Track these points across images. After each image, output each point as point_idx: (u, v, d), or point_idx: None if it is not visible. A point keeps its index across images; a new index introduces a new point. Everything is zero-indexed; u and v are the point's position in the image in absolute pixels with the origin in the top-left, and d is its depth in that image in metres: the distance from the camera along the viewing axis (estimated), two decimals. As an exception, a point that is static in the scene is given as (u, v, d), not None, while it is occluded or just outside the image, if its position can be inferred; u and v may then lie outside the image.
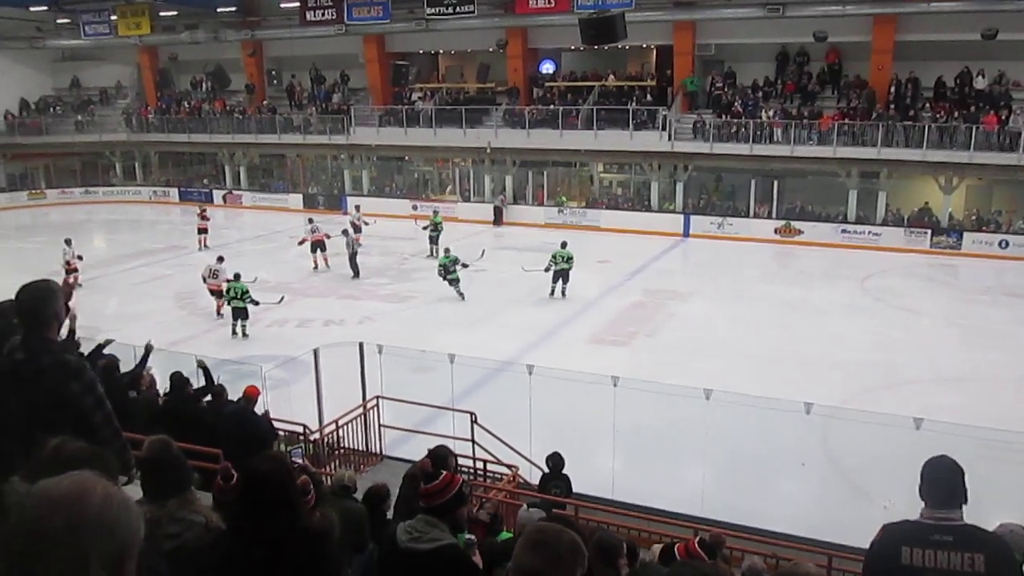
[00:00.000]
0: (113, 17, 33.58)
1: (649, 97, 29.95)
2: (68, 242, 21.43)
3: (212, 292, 18.84)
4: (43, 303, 3.25)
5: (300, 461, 7.46)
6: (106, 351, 8.92)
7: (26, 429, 3.13)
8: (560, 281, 20.29)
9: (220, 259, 19.34)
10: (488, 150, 30.99)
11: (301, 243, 23.54)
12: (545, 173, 31.42)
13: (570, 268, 20.27)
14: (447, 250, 20.65)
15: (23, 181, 38.47)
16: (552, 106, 30.71)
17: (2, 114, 38.30)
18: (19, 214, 35.03)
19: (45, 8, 34.77)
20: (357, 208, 27.45)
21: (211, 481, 6.32)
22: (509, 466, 10.45)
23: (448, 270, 19.86)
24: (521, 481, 10.22)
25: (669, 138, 28.15)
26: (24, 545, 1.31)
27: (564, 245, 20.45)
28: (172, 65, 40.07)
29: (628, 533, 7.70)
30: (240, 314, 17.39)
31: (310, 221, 23.98)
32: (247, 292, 17.39)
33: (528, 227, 29.16)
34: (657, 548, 5.28)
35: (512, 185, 31.49)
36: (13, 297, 3.33)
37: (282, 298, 18.60)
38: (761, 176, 28.01)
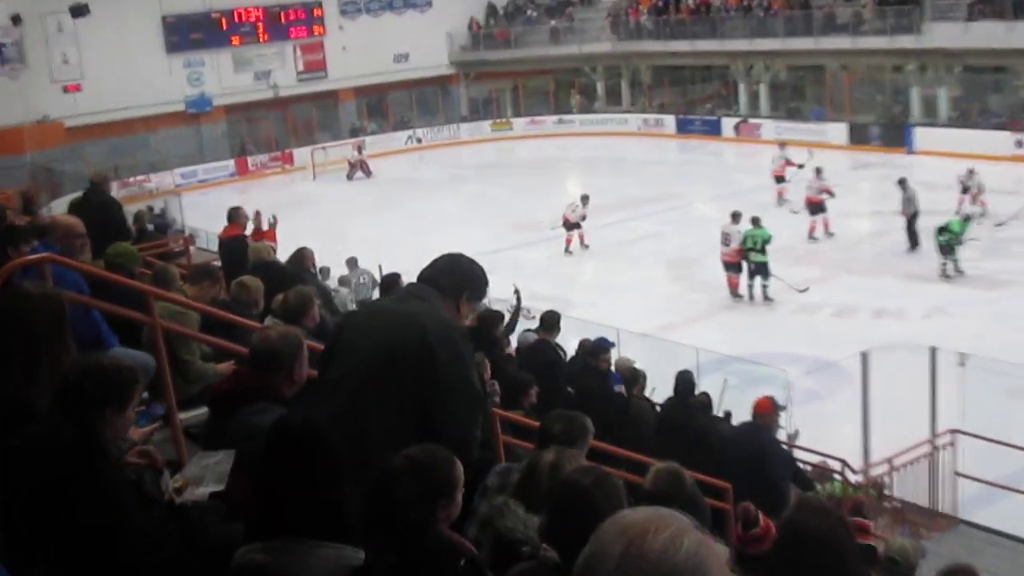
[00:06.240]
0: None
1: None
2: (584, 199, 22.86)
3: (726, 264, 19.03)
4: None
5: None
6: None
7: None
8: None
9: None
10: None
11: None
12: None
13: None
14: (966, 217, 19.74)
15: (486, 108, 43.76)
16: None
17: (467, 23, 43.58)
18: (481, 149, 39.77)
19: None
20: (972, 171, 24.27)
21: (719, 523, 6.61)
22: None
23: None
24: None
25: None
26: None
27: None
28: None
29: None
30: (760, 271, 18.24)
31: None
32: (769, 240, 18.09)
33: None
34: None
35: None
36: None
37: (806, 288, 18.63)
38: None
